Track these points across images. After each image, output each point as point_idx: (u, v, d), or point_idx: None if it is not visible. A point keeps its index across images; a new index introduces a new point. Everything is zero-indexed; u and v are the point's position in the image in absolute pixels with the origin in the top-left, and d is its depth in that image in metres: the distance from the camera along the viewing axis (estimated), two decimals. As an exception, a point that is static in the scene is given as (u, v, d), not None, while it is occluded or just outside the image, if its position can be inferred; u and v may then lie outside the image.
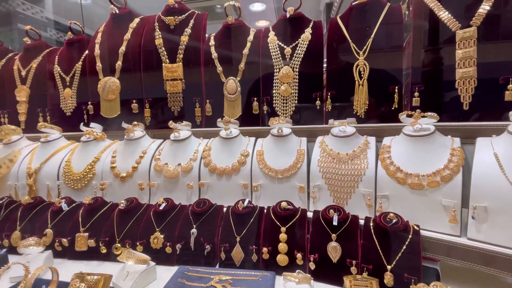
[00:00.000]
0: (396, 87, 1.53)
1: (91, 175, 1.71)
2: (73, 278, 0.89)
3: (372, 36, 1.58)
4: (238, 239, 1.34)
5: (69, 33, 2.12)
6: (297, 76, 1.74)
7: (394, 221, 1.21)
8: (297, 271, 1.06)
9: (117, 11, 2.00)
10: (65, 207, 1.59)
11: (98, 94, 1.96)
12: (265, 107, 1.78)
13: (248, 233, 1.35)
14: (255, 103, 1.81)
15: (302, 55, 1.74)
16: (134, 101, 1.91)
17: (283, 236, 1.29)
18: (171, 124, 1.70)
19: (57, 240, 1.48)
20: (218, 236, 1.39)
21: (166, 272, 1.31)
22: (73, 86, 2.05)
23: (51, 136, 1.88)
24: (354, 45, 1.61)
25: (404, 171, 1.30)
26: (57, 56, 2.13)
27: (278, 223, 1.34)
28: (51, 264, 1.42)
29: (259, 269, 1.29)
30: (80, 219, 1.53)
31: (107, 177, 1.71)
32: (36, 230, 1.55)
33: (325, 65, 1.74)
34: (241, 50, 1.84)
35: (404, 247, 1.17)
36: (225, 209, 1.50)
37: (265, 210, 1.44)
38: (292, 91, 1.74)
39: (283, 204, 1.35)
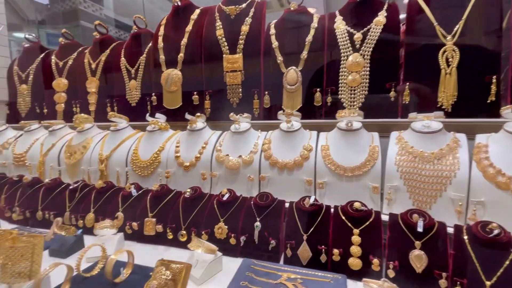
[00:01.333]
0: (494, 76, 1.31)
1: (156, 163, 1.79)
2: (157, 265, 0.92)
3: (464, 16, 1.36)
4: (305, 237, 1.28)
5: (134, 26, 2.22)
6: (368, 64, 1.59)
7: (495, 232, 1.04)
8: (382, 279, 0.97)
9: (179, 3, 2.03)
10: (134, 192, 1.68)
11: (161, 86, 2.03)
12: (329, 99, 1.67)
13: (315, 232, 1.28)
14: (318, 94, 1.71)
15: (374, 41, 1.58)
16: (195, 92, 1.94)
17: (356, 239, 1.20)
18: (232, 116, 1.69)
19: (127, 224, 1.58)
20: (283, 232, 1.35)
21: (230, 263, 1.31)
22: (138, 78, 2.16)
23: (119, 125, 2.01)
24: (440, 28, 1.41)
25: (507, 175, 1.10)
26: (123, 50, 2.25)
27: (349, 225, 1.24)
28: (122, 246, 1.51)
29: (327, 270, 1.22)
30: (148, 205, 1.60)
31: (171, 166, 1.77)
32: (108, 213, 1.66)
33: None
34: (304, 37, 1.74)
35: (507, 262, 1.00)
36: (287, 204, 1.45)
37: (332, 209, 1.36)
38: (362, 80, 1.60)
39: (357, 204, 1.25)
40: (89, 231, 1.61)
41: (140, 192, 1.70)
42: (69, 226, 1.49)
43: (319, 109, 1.72)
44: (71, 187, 1.81)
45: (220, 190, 1.64)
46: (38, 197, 1.85)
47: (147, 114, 1.91)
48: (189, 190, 1.56)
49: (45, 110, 2.47)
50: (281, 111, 1.60)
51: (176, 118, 1.99)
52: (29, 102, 2.53)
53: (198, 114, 1.76)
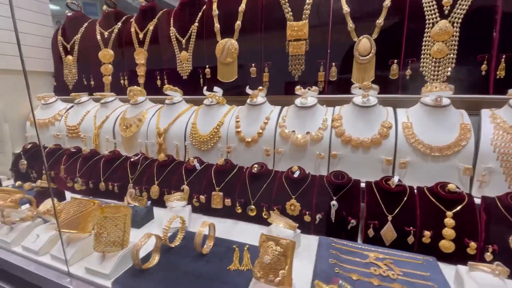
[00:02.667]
0: None
1: (217, 138, 1.75)
2: (264, 240, 0.90)
3: None
4: (389, 218, 1.22)
5: (183, -8, 2.08)
6: (457, 34, 1.42)
7: None
8: (495, 262, 0.91)
9: (236, -36, 1.86)
10: (198, 166, 1.67)
11: (215, 57, 1.93)
12: (408, 71, 1.53)
13: (401, 213, 1.22)
14: (394, 66, 1.56)
15: (467, 7, 1.39)
16: (253, 64, 1.83)
17: (449, 221, 1.13)
18: (300, 89, 1.59)
19: (195, 197, 1.58)
20: (362, 211, 1.30)
21: (305, 240, 1.30)
22: (189, 49, 2.06)
23: (175, 98, 1.95)
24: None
25: None
26: (172, 18, 2.14)
27: (441, 207, 1.17)
28: (191, 218, 1.53)
29: (412, 252, 1.18)
30: (213, 179, 1.59)
31: (231, 141, 1.73)
32: (172, 185, 1.67)
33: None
34: (381, 2, 1.56)
35: None
36: (362, 184, 1.39)
37: (415, 190, 1.29)
38: (449, 51, 1.44)
39: (451, 186, 1.16)
40: (154, 202, 1.64)
41: (203, 166, 1.68)
42: (142, 198, 1.50)
43: (395, 83, 1.58)
44: (132, 159, 1.82)
45: (284, 167, 1.60)
46: (99, 169, 1.88)
47: (204, 88, 1.84)
48: (256, 165, 1.53)
49: (92, 82, 2.45)
50: (357, 84, 1.48)
51: (231, 92, 1.92)
52: (76, 73, 2.51)
53: (260, 87, 1.67)
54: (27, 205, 1.55)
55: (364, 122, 1.47)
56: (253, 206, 1.47)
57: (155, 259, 1.10)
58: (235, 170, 1.60)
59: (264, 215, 1.44)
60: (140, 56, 2.23)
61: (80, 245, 1.16)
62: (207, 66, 1.98)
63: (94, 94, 2.20)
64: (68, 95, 2.52)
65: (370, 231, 1.24)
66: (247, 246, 1.21)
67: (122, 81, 2.35)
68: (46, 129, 2.34)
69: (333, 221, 1.32)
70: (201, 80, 2.04)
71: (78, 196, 1.82)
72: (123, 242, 1.10)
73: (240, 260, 1.11)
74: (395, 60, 1.56)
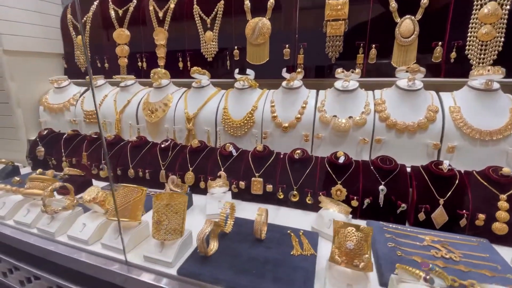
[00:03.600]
0: None
1: (251, 123, 1.70)
2: (341, 226, 0.88)
3: None
4: (441, 201, 1.23)
5: (207, -33, 1.94)
6: (506, 16, 1.39)
7: None
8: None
9: None
10: (234, 152, 1.63)
11: (244, 38, 1.84)
12: (452, 54, 1.50)
13: (453, 197, 1.23)
14: (438, 49, 1.53)
15: (518, -14, 1.35)
16: (286, 45, 1.76)
17: (503, 204, 1.15)
18: (340, 72, 1.54)
19: (233, 183, 1.55)
20: (411, 195, 1.31)
21: (352, 225, 1.31)
22: (215, 28, 1.95)
23: (202, 81, 1.87)
24: None
25: None
26: (195, -5, 2.01)
27: (494, 190, 1.19)
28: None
29: (464, 234, 1.21)
30: (252, 165, 1.56)
31: (267, 126, 1.68)
32: (208, 171, 1.63)
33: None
34: (427, -19, 1.50)
35: None
36: (408, 169, 1.39)
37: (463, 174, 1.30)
38: (497, 34, 1.41)
39: (506, 170, 1.17)
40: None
41: (238, 152, 1.65)
42: (183, 184, 1.47)
43: (437, 66, 1.55)
44: (162, 145, 1.76)
45: (322, 152, 1.59)
46: (126, 155, 1.82)
47: (236, 70, 1.77)
48: (298, 151, 1.50)
49: (106, 65, 2.32)
50: (403, 66, 1.44)
51: (262, 75, 1.85)
52: (88, 55, 2.36)
53: (299, 70, 1.61)
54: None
55: (409, 106, 1.45)
56: (295, 192, 1.46)
57: (214, 245, 1.09)
58: (273, 156, 1.57)
59: (308, 200, 1.43)
60: (160, 37, 2.11)
61: (133, 234, 1.13)
62: (235, 47, 1.89)
63: (114, 77, 2.08)
64: (81, 78, 2.40)
65: (421, 214, 1.26)
66: (302, 231, 1.21)
67: (139, 63, 2.23)
68: (60, 114, 2.22)
69: (381, 206, 1.33)
70: (228, 62, 1.96)
71: (106, 184, 1.78)
72: (182, 229, 1.07)
73: (300, 245, 1.11)
74: (439, 43, 1.52)
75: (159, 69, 1.92)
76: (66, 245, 1.18)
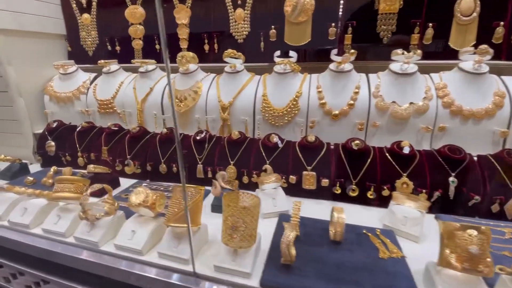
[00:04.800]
0: None
1: (295, 111, 1.55)
2: (456, 228, 0.78)
3: None
4: (519, 192, 1.16)
5: None
6: None
7: None
8: None
9: None
10: (280, 144, 1.48)
11: (282, 16, 1.66)
12: (518, 35, 1.39)
13: (531, 187, 1.16)
14: (500, 29, 1.41)
15: None
16: (332, 24, 1.59)
17: None
18: (400, 53, 1.41)
19: (283, 177, 1.42)
20: (483, 187, 1.23)
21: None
22: (246, 6, 1.75)
23: (238, 66, 1.69)
24: None
25: None
26: (222, -33, 1.78)
27: None
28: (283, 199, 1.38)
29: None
30: (301, 157, 1.43)
31: (314, 114, 1.54)
32: (251, 165, 1.49)
33: None
34: (493, -49, 1.36)
35: None
36: (475, 158, 1.30)
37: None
38: None
39: None
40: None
41: (283, 143, 1.51)
42: (233, 180, 1.32)
43: (497, 48, 1.44)
44: (197, 137, 1.58)
45: (379, 142, 1.47)
46: (155, 149, 1.64)
47: (276, 53, 1.59)
48: (357, 141, 1.37)
49: (118, 47, 2.07)
50: (470, 47, 1.33)
51: (301, 58, 1.68)
52: (96, 36, 2.10)
53: (352, 51, 1.46)
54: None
55: (475, 90, 1.35)
56: (354, 186, 1.35)
57: (293, 252, 0.97)
58: (325, 148, 1.44)
59: (370, 195, 1.33)
60: (182, 15, 1.88)
61: (194, 241, 0.99)
62: (272, 26, 1.70)
63: (133, 61, 1.85)
64: (89, 62, 2.14)
65: (495, 206, 1.18)
66: (378, 230, 1.11)
67: (157, 46, 2.00)
68: (70, 104, 1.98)
69: (451, 198, 1.24)
70: (262, 43, 1.77)
71: (135, 181, 1.60)
72: (256, 234, 0.94)
73: (384, 246, 1.01)
74: (501, 23, 1.41)
75: (187, 52, 1.71)
76: (115, 256, 1.03)
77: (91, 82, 2.02)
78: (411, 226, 1.10)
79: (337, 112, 1.50)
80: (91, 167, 1.46)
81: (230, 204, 0.89)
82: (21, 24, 1.87)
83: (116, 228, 1.10)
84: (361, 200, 1.35)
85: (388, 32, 1.55)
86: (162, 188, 1.50)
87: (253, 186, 1.46)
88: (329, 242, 1.04)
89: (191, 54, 1.71)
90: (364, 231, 1.09)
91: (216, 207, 1.30)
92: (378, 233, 1.08)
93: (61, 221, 1.15)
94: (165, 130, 1.63)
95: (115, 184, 1.57)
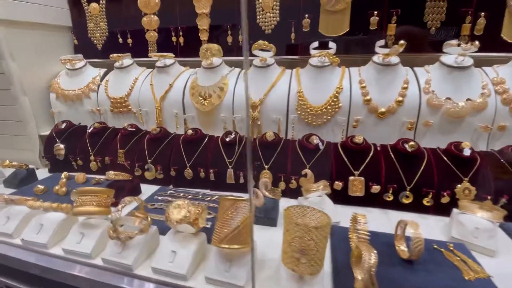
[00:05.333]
0: None
1: (336, 109, 1.41)
2: None
3: None
4: None
5: None
6: None
7: None
8: None
9: None
10: (321, 146, 1.34)
11: (317, 4, 1.50)
12: None
13: None
14: None
15: None
16: (375, 13, 1.44)
17: None
18: (453, 44, 1.27)
19: (328, 184, 1.28)
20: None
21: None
22: (276, -8, 1.59)
23: (268, 60, 1.53)
24: None
25: None
26: (247, -51, 1.60)
27: None
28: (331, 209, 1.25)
29: None
30: (347, 161, 1.29)
31: (357, 112, 1.40)
32: (289, 170, 1.35)
33: None
34: None
35: None
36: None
37: None
38: None
39: None
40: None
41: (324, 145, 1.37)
42: (275, 188, 1.18)
43: (561, 38, 1.32)
44: (227, 139, 1.43)
45: (430, 142, 1.34)
46: (179, 152, 1.48)
47: (313, 44, 1.44)
48: (412, 143, 1.24)
49: (130, 40, 1.89)
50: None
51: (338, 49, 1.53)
52: (106, 28, 1.91)
53: (402, 42, 1.31)
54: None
55: (540, 85, 1.23)
56: (408, 192, 1.22)
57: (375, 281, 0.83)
58: (373, 150, 1.30)
59: (427, 202, 1.20)
60: (202, 4, 1.70)
61: (245, 263, 0.85)
62: (306, 15, 1.55)
63: (151, 55, 1.68)
64: (97, 57, 1.96)
65: None
66: (451, 245, 0.98)
67: (173, 38, 1.82)
68: (78, 102, 1.80)
69: (520, 205, 1.12)
70: (292, 34, 1.62)
71: (157, 188, 1.45)
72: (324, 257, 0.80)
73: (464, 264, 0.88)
74: None
75: (212, 44, 1.54)
76: (155, 282, 0.88)
77: (102, 78, 1.84)
78: (485, 239, 0.98)
79: (383, 109, 1.36)
80: (111, 173, 1.30)
81: (297, 224, 0.74)
82: (24, 14, 1.68)
83: (151, 247, 0.96)
84: (415, 207, 1.22)
85: (437, 22, 1.41)
86: (190, 196, 1.35)
87: (291, 193, 1.33)
88: (400, 260, 0.91)
89: (216, 46, 1.55)
90: (435, 246, 0.97)
91: (261, 219, 1.16)
92: (451, 248, 0.96)
93: (85, 239, 1.00)
94: (190, 132, 1.48)
95: (136, 192, 1.41)
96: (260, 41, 1.46)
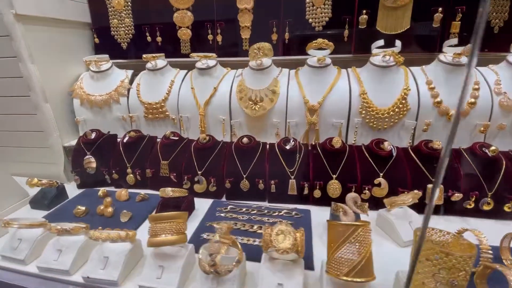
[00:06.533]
0: None
1: (404, 112, 1.32)
2: None
3: None
4: None
5: None
6: None
7: None
8: None
9: None
10: (394, 152, 1.26)
11: (375, 0, 1.40)
12: None
13: None
14: None
15: None
16: (439, 9, 1.36)
17: None
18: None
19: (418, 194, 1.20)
20: None
21: None
22: (329, -14, 1.47)
23: (327, 60, 1.42)
24: None
25: None
26: None
27: None
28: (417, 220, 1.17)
29: None
30: (423, 168, 1.21)
31: (426, 115, 1.32)
32: (359, 179, 1.25)
33: None
34: None
35: None
36: None
37: None
38: None
39: None
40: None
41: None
42: (363, 203, 1.08)
43: None
44: (287, 147, 1.32)
45: (501, 146, 1.28)
46: (234, 162, 1.35)
47: (377, 43, 1.34)
48: (493, 147, 1.17)
49: (159, 38, 1.70)
50: None
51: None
52: (132, 25, 1.72)
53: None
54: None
55: None
56: (489, 199, 1.16)
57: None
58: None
59: (508, 208, 1.15)
60: (244, -2, 1.56)
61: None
62: (364, 11, 1.44)
63: (192, 55, 1.52)
64: (120, 57, 1.77)
65: None
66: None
67: (210, 37, 1.67)
68: (107, 108, 1.62)
69: None
70: (345, 31, 1.51)
71: (202, 204, 1.31)
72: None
73: None
74: None
75: (263, 43, 1.41)
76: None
77: (130, 81, 1.66)
78: None
79: (453, 111, 1.29)
80: (168, 190, 1.15)
81: (449, 255, 0.65)
82: (41, 9, 1.46)
83: (243, 280, 0.84)
84: (495, 214, 1.17)
85: (500, 20, 1.35)
86: (254, 211, 1.23)
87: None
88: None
89: (267, 45, 1.41)
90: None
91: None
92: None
93: (166, 273, 0.86)
94: (245, 140, 1.35)
95: (191, 208, 1.28)
96: (320, 40, 1.35)
